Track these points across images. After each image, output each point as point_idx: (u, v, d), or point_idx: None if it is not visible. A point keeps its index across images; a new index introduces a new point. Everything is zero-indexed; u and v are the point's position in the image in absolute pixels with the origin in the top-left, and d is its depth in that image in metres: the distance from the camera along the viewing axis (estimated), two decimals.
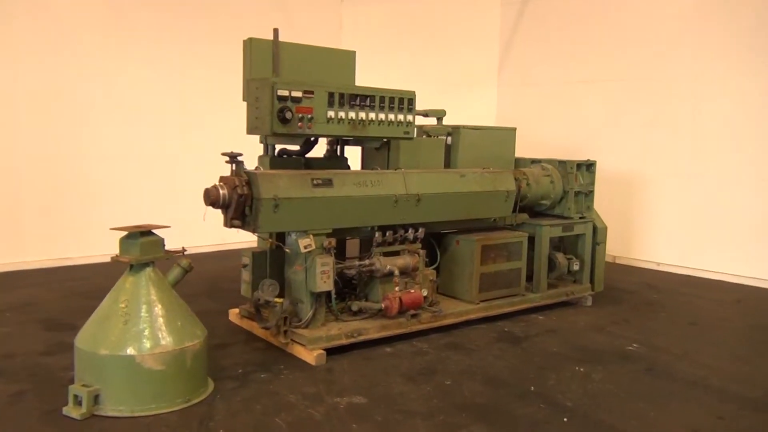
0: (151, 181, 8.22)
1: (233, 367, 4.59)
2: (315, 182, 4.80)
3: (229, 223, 4.59)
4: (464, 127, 6.36)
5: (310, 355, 4.70)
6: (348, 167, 5.77)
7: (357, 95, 5.07)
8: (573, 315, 6.26)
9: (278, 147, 5.42)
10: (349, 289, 5.54)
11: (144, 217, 5.85)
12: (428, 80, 10.21)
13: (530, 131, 9.75)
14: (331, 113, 4.95)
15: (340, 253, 5.54)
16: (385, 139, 5.58)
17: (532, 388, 4.40)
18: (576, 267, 6.50)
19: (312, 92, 4.84)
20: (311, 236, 4.79)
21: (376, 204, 5.11)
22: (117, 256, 3.97)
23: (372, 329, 5.10)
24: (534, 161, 6.79)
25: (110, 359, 3.72)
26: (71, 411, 3.71)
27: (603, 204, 8.83)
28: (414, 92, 5.45)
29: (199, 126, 8.54)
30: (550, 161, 6.69)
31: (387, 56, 9.99)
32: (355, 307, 5.24)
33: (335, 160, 5.73)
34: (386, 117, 5.27)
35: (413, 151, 5.90)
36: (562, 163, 6.59)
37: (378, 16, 10.20)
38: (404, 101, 5.36)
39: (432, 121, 6.51)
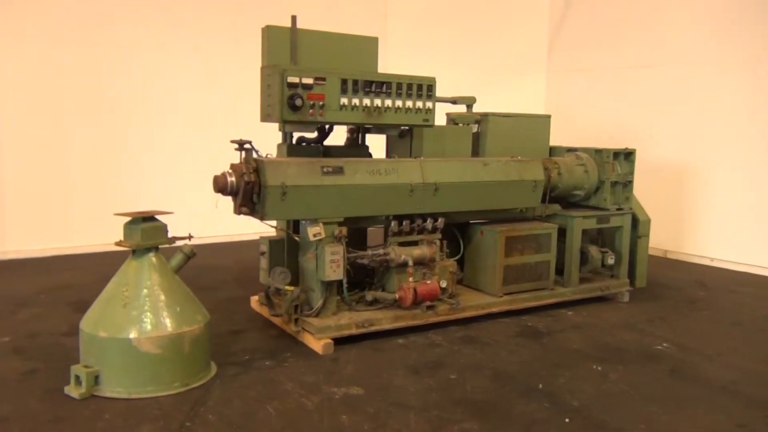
0: (188, 170, 8.33)
1: (241, 353, 4.63)
2: (325, 170, 4.76)
3: (237, 210, 4.61)
4: (493, 114, 6.17)
5: (317, 344, 4.68)
6: (369, 155, 5.70)
7: (372, 82, 4.98)
8: (605, 311, 5.98)
9: (296, 135, 5.40)
10: (369, 279, 5.47)
11: (185, 204, 5.97)
12: (473, 66, 10.04)
13: (580, 119, 9.43)
14: (344, 100, 4.89)
15: (361, 243, 5.49)
16: (405, 127, 5.48)
17: (540, 385, 4.22)
18: (611, 261, 6.20)
19: (324, 79, 4.79)
20: (321, 224, 4.76)
21: (391, 193, 5.02)
22: (120, 241, 4.05)
23: (385, 320, 5.03)
24: (570, 150, 6.51)
25: (109, 342, 3.81)
26: (72, 390, 3.82)
27: (654, 195, 8.45)
28: (434, 78, 5.31)
29: (227, 114, 8.53)
30: (586, 150, 6.40)
31: (431, 42, 9.87)
32: (369, 297, 5.18)
33: (356, 148, 5.66)
34: (404, 104, 5.15)
35: (438, 139, 5.77)
36: (598, 152, 6.29)
37: (423, 1, 10.02)
38: (423, 88, 5.23)
39: (461, 108, 6.34)
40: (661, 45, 8.68)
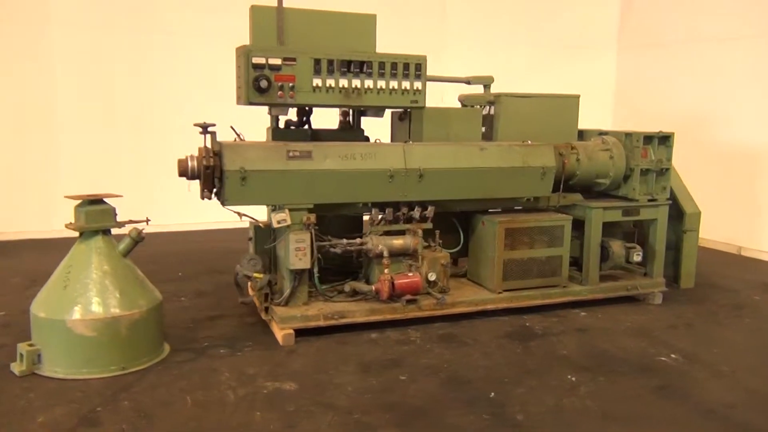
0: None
1: (204, 339, 4.58)
2: (291, 154, 4.57)
3: (202, 195, 4.54)
4: (507, 95, 5.68)
5: (279, 334, 4.53)
6: (365, 139, 5.43)
7: (350, 61, 4.72)
8: (626, 314, 5.36)
9: (283, 118, 5.24)
10: (357, 269, 5.25)
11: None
12: (536, 43, 9.39)
13: (656, 98, 8.57)
14: (317, 81, 4.66)
15: (357, 230, 5.28)
16: (402, 109, 5.19)
17: (493, 394, 3.82)
18: (638, 258, 5.53)
19: (294, 59, 4.59)
20: (287, 211, 4.59)
21: (367, 179, 4.75)
22: (69, 224, 4.10)
23: (359, 313, 4.79)
24: (602, 133, 5.88)
25: (47, 323, 3.88)
26: (15, 367, 3.93)
27: (730, 184, 7.55)
28: (424, 57, 4.95)
29: (222, 98, 8.32)
30: (616, 134, 5.75)
31: (492, 18, 9.35)
32: (348, 288, 4.97)
33: (349, 132, 5.42)
34: (387, 85, 4.84)
35: (441, 122, 5.41)
36: (628, 136, 5.62)
37: None
38: (410, 67, 4.88)
39: (478, 89, 5.91)
40: (750, 12, 7.63)
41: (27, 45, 7.64)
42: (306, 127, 5.25)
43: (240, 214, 4.69)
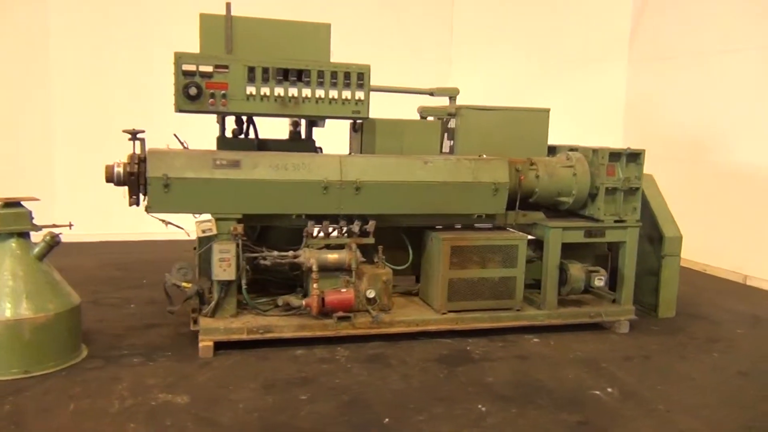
0: None
1: (127, 347, 4.53)
2: (218, 163, 4.50)
3: (129, 202, 4.52)
4: (467, 107, 5.46)
5: (198, 346, 4.44)
6: (316, 150, 5.31)
7: (287, 69, 4.62)
8: (582, 342, 5.01)
9: (230, 127, 5.17)
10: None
11: None
12: (546, 56, 9.09)
13: (667, 114, 8.13)
14: (251, 89, 4.58)
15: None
16: (348, 119, 5.04)
17: (387, 420, 3.61)
18: (599, 282, 5.18)
19: (226, 66, 4.53)
20: (213, 220, 4.51)
21: (299, 190, 4.62)
22: None
23: (287, 328, 4.64)
24: (572, 149, 5.56)
25: None
26: None
27: (739, 206, 7.06)
28: (367, 66, 4.80)
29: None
30: (585, 150, 5.43)
31: (500, 30, 9.12)
32: (280, 302, 4.83)
33: (299, 143, 5.30)
34: (326, 94, 4.72)
35: (395, 134, 5.28)
36: (595, 152, 5.30)
37: None
38: (351, 76, 4.74)
39: (443, 101, 5.70)
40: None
41: None
42: (253, 136, 5.18)
43: (166, 222, 4.64)
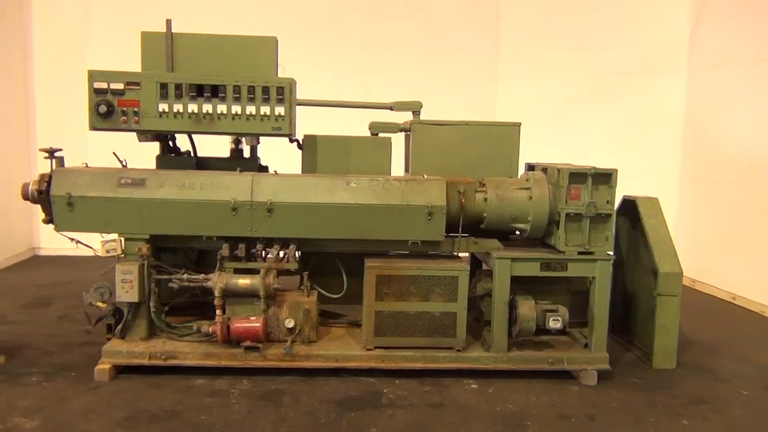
0: None
1: (44, 364, 4.53)
2: (122, 181, 4.39)
3: (43, 219, 4.54)
4: (421, 122, 4.98)
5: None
6: (261, 169, 5.07)
7: (201, 85, 4.44)
8: (525, 393, 4.31)
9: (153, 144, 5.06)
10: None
11: None
12: (595, 67, 8.24)
13: (731, 130, 7.05)
14: (163, 106, 4.45)
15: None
16: (294, 137, 4.77)
17: None
18: (556, 324, 4.43)
19: (137, 83, 4.44)
20: (118, 240, 4.41)
21: (206, 211, 4.39)
22: None
23: (192, 355, 4.42)
24: (543, 169, 4.87)
25: None
26: None
27: None
28: (291, 80, 4.51)
29: None
30: (553, 169, 4.71)
31: (547, 42, 8.39)
32: (195, 327, 4.61)
33: (241, 161, 5.08)
34: (243, 110, 4.48)
35: (339, 152, 4.94)
36: (560, 172, 4.57)
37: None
38: (270, 91, 4.47)
39: (406, 116, 5.26)
40: None
41: None
42: (192, 155, 5.06)
43: (76, 241, 4.60)
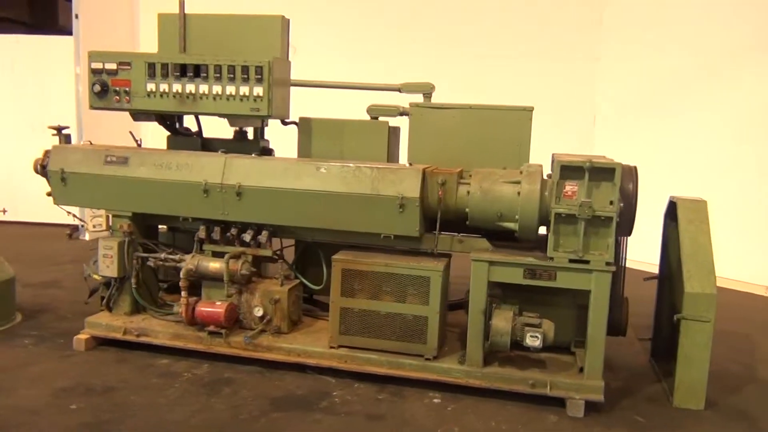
0: None
1: (48, 328, 4.85)
2: (108, 159, 4.50)
3: (48, 193, 4.79)
4: (421, 105, 4.54)
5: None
6: (265, 151, 4.95)
7: (183, 65, 4.42)
8: (488, 417, 3.74)
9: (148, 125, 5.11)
10: None
11: None
12: (713, 45, 7.11)
13: None
14: (151, 86, 4.49)
15: None
16: (271, 118, 4.60)
17: None
18: (534, 342, 3.79)
19: (129, 63, 4.52)
20: (104, 216, 4.55)
21: (180, 191, 4.36)
22: None
23: (162, 334, 4.45)
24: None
25: None
26: None
27: None
28: (268, 60, 4.31)
29: None
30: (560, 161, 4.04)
31: (658, 19, 7.41)
32: (175, 308, 4.62)
33: (245, 143, 4.98)
34: (223, 90, 4.38)
35: (334, 136, 4.70)
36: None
37: None
38: (249, 70, 4.32)
39: (416, 97, 4.84)
40: None
41: None
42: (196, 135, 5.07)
43: (72, 215, 4.80)
